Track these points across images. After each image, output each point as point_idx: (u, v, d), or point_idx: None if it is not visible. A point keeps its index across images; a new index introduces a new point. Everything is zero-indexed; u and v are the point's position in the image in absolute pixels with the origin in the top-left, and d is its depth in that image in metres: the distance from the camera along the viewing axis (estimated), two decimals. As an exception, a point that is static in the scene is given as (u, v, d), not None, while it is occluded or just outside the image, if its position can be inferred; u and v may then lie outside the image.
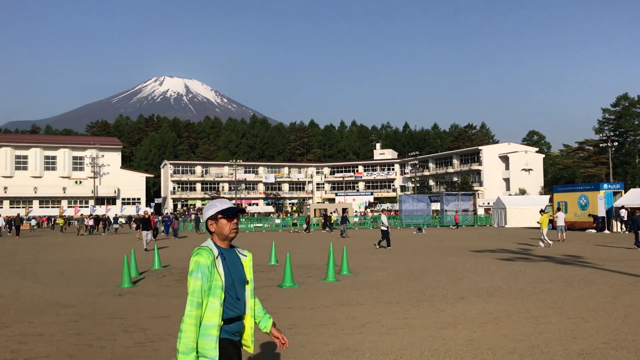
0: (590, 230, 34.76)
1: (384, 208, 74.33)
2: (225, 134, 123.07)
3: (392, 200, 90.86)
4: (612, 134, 79.00)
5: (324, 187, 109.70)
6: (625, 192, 37.11)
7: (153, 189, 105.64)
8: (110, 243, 29.06)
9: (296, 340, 6.69)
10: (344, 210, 46.16)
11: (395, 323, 7.64)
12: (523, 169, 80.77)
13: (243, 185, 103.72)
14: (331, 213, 47.10)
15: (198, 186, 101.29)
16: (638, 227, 20.63)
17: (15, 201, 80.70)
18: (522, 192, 74.07)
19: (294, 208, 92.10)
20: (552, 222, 33.80)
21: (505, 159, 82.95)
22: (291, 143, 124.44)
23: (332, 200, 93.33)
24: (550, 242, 21.91)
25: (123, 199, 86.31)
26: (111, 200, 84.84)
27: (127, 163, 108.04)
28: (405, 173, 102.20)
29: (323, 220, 41.79)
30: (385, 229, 22.10)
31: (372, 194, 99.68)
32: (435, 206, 53.34)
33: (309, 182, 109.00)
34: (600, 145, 69.58)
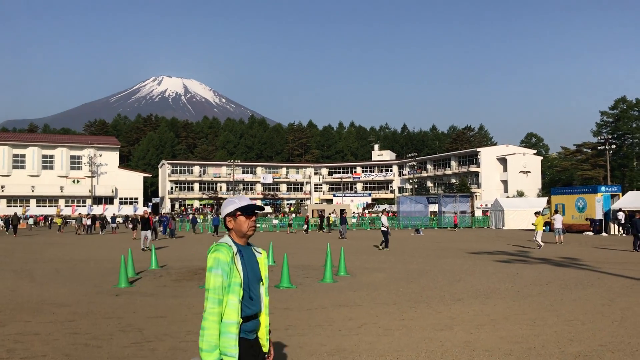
0: (587, 232, 34.82)
1: (384, 209, 74.29)
2: (223, 134, 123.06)
3: (390, 201, 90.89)
4: (610, 136, 79.22)
5: (321, 188, 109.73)
6: (622, 195, 37.20)
7: (151, 189, 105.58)
8: (107, 243, 29.02)
9: (293, 341, 6.68)
10: (342, 211, 46.16)
11: (392, 324, 7.64)
12: (521, 171, 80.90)
13: (241, 186, 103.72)
14: (329, 214, 47.08)
15: (196, 186, 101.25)
16: (638, 230, 20.60)
17: (12, 200, 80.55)
18: (520, 194, 74.18)
19: (292, 209, 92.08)
20: (549, 224, 33.89)
21: (503, 161, 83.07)
22: (289, 143, 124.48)
23: (330, 201, 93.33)
24: (542, 243, 21.91)
25: (120, 199, 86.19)
26: (109, 200, 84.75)
27: (125, 162, 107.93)
28: (403, 174, 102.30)
29: (319, 221, 41.79)
30: (386, 229, 22.11)
31: (370, 195, 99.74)
32: (433, 208, 53.38)
33: (307, 182, 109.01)
34: (598, 147, 69.84)
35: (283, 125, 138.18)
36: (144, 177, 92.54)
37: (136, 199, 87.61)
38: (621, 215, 33.72)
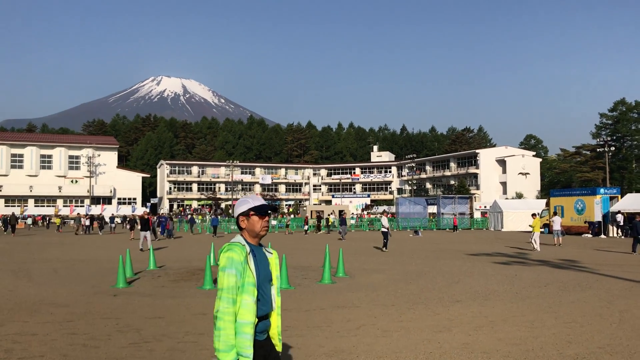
0: (586, 234, 34.86)
1: (384, 210, 74.27)
2: (222, 134, 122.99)
3: (389, 202, 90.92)
4: (609, 138, 79.30)
5: (320, 189, 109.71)
6: (621, 197, 37.24)
7: (149, 189, 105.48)
8: (105, 243, 28.97)
9: (291, 342, 6.67)
10: (342, 212, 46.15)
11: (390, 326, 7.63)
12: (520, 173, 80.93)
13: (239, 186, 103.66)
14: (329, 215, 47.06)
15: (194, 186, 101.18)
16: (638, 233, 20.59)
17: (10, 200, 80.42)
18: (519, 196, 74.20)
19: (290, 210, 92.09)
20: (548, 226, 33.91)
21: (502, 162, 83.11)
22: (288, 144, 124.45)
23: (328, 202, 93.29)
24: (539, 249, 21.83)
25: (119, 199, 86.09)
26: (107, 200, 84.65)
27: (124, 163, 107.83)
28: (402, 176, 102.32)
29: (317, 222, 41.81)
30: (386, 230, 22.09)
31: (369, 196, 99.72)
32: (432, 209, 53.40)
33: (305, 183, 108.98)
34: (597, 149, 69.89)
35: (282, 126, 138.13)
36: (143, 177, 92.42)
37: (134, 199, 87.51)
38: (620, 218, 33.76)
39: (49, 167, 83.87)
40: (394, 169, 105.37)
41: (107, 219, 47.15)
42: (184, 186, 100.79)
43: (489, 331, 7.25)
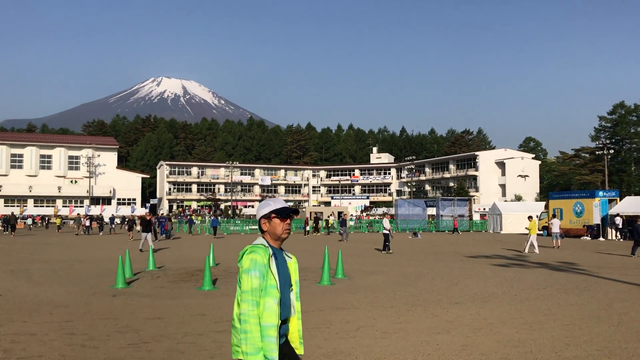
0: (585, 237, 34.86)
1: (385, 212, 74.29)
2: (222, 135, 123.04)
3: (388, 204, 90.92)
4: (608, 141, 79.38)
5: (320, 190, 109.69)
6: (620, 200, 37.28)
7: (149, 190, 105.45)
8: (105, 243, 28.96)
9: (290, 343, 6.67)
10: (341, 213, 46.18)
11: (389, 327, 7.64)
12: (519, 175, 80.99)
13: (239, 187, 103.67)
14: (328, 216, 47.06)
15: (194, 187, 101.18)
16: (639, 236, 20.58)
17: (9, 200, 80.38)
18: (518, 198, 74.24)
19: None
20: (547, 228, 33.92)
21: (501, 164, 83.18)
22: (288, 145, 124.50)
23: (328, 204, 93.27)
24: (534, 252, 21.79)
25: (118, 199, 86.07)
26: (106, 200, 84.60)
27: (123, 163, 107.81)
28: (401, 177, 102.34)
29: (315, 224, 41.83)
30: (387, 232, 22.08)
31: (368, 197, 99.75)
32: (431, 211, 53.42)
33: (305, 184, 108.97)
34: (596, 152, 69.93)
35: (282, 127, 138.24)
36: (142, 178, 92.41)
37: (134, 199, 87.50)
38: (619, 220, 33.78)
39: (49, 167, 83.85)
40: (393, 171, 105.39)
41: (107, 220, 47.16)
42: (184, 187, 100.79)
43: (488, 333, 7.26)
